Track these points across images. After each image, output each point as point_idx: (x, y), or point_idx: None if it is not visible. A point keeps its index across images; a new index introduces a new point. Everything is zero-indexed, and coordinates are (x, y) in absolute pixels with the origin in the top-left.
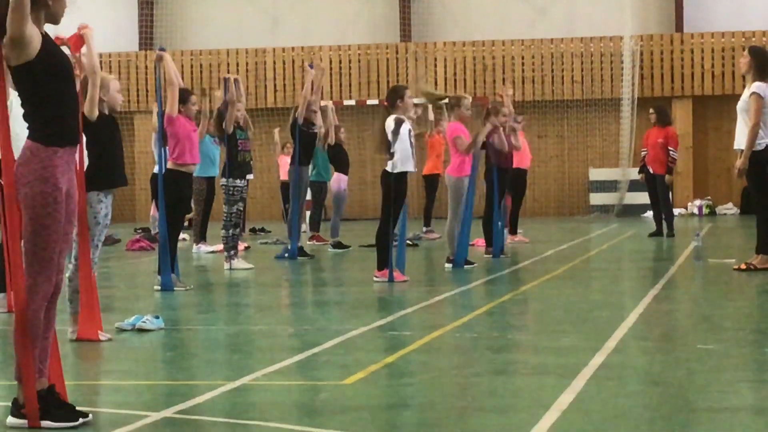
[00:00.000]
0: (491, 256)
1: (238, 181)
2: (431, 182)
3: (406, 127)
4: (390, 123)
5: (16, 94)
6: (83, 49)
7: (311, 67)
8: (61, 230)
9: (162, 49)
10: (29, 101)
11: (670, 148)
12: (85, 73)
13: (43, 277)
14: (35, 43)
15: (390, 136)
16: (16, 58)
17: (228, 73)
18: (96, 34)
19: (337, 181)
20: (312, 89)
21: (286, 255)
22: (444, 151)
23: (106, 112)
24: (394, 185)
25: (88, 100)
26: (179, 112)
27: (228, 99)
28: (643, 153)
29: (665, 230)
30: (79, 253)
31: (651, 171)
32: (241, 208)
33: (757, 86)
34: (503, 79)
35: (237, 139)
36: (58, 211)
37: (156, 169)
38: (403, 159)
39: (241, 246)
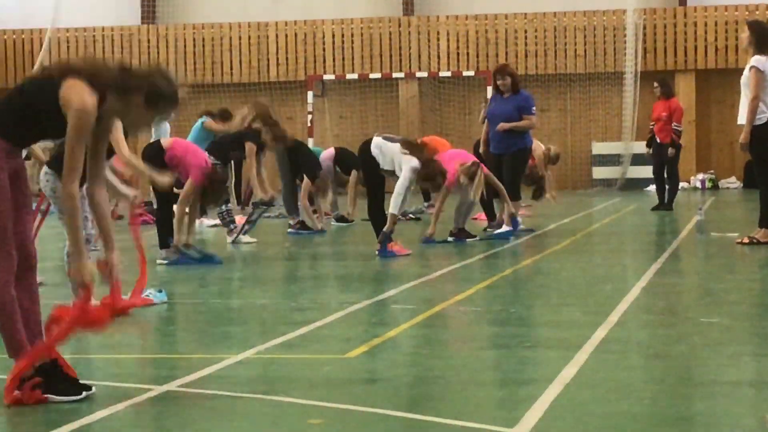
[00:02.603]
0: (493, 230)
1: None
2: None
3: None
4: (408, 172)
5: None
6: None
7: None
8: (8, 206)
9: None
10: (16, 108)
11: (674, 123)
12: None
13: (2, 252)
14: (93, 113)
15: (396, 169)
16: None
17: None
18: (98, 8)
19: (328, 156)
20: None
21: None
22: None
23: None
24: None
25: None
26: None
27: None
28: (651, 126)
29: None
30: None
31: (658, 141)
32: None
33: (756, 60)
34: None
35: None
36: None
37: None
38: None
39: (242, 220)
